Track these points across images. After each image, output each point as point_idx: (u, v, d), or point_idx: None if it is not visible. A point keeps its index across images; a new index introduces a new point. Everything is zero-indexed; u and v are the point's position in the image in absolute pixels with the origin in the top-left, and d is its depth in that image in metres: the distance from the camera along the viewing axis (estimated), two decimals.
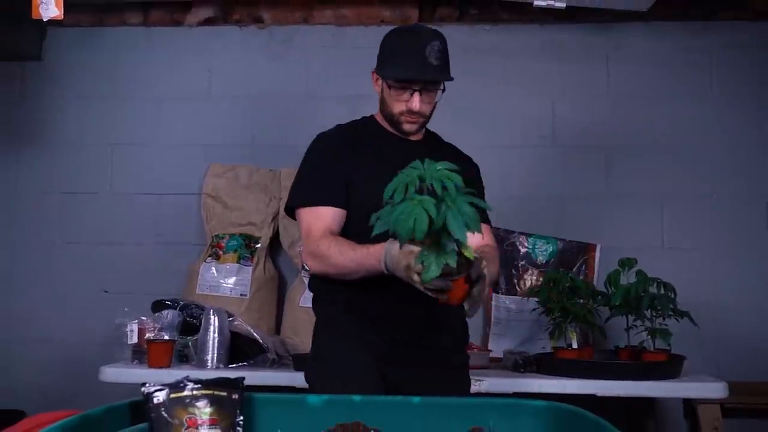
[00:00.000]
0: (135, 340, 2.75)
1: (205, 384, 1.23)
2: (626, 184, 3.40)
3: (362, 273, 1.87)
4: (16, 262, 3.56)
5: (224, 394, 1.24)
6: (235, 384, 1.26)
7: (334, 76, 3.49)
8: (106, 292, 3.49)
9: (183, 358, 2.81)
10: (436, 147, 2.15)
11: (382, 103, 2.09)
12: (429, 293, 1.59)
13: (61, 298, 3.50)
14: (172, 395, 1.20)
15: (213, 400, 1.22)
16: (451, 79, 2.04)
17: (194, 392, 1.21)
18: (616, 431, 1.07)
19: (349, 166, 2.04)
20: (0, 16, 3.32)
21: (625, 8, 3.18)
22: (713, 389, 2.58)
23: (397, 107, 2.04)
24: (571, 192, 3.42)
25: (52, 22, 2.44)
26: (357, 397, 1.35)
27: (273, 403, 1.34)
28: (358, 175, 2.02)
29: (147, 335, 2.70)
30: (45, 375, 3.44)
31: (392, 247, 1.69)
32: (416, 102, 2.01)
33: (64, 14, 2.31)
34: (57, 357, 3.45)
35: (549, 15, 3.34)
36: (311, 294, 2.19)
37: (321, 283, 2.09)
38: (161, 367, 2.63)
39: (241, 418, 1.24)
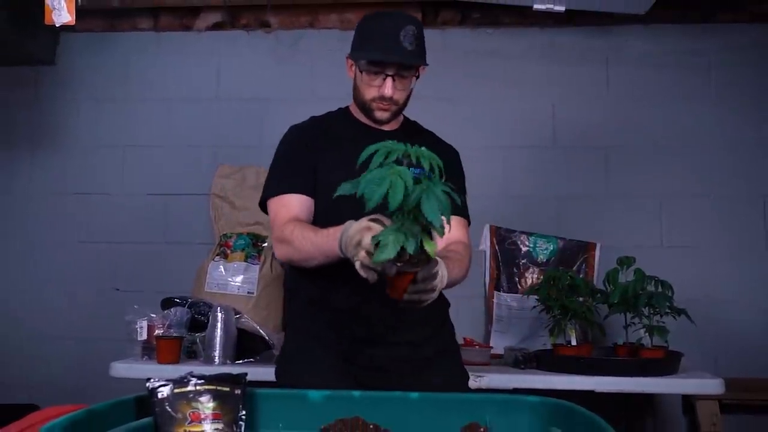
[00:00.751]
0: (144, 336, 2.76)
1: (209, 379, 1.24)
2: (625, 185, 3.42)
3: (322, 258, 1.76)
4: (30, 261, 3.61)
5: (227, 389, 1.25)
6: (238, 379, 1.27)
7: (339, 79, 3.50)
8: (117, 290, 3.53)
9: (191, 354, 2.83)
10: (413, 135, 1.98)
11: (355, 90, 2.00)
12: (363, 273, 1.47)
13: (74, 295, 3.55)
14: (176, 390, 1.21)
15: (216, 395, 1.23)
16: (425, 64, 1.95)
17: (197, 387, 1.22)
18: (609, 427, 1.06)
19: (318, 155, 1.95)
20: (15, 22, 3.37)
21: (624, 11, 3.19)
22: (711, 386, 2.60)
23: (369, 93, 1.94)
24: (572, 192, 3.44)
25: (65, 28, 2.46)
26: (357, 393, 1.36)
27: (274, 398, 1.35)
28: (327, 163, 1.94)
29: (156, 332, 2.73)
30: (58, 370, 3.48)
31: (349, 226, 1.57)
32: (388, 87, 1.91)
33: (76, 20, 2.36)
34: (69, 353, 3.50)
35: (549, 18, 3.36)
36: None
37: (291, 278, 2.04)
38: (170, 363, 2.65)
39: (244, 412, 1.25)
